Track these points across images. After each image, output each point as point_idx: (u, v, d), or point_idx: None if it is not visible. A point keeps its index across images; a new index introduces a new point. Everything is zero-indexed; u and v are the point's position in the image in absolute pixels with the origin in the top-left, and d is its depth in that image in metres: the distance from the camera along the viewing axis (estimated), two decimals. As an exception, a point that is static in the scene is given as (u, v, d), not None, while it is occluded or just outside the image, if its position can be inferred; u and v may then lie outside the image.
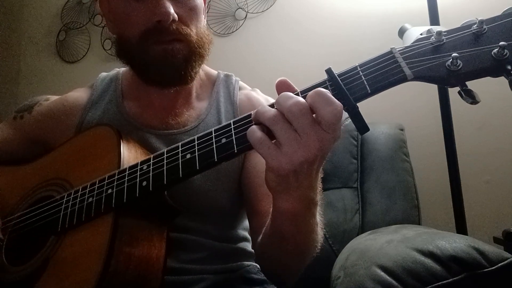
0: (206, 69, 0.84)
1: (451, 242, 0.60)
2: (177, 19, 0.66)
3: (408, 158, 1.18)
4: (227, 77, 0.83)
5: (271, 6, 1.66)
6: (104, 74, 0.84)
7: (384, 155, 1.15)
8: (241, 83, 0.83)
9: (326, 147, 0.45)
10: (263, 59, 1.64)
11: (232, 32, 1.71)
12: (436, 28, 0.49)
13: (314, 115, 0.44)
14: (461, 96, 0.45)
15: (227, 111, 0.77)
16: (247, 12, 1.70)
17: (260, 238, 0.65)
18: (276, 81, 0.50)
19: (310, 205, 0.54)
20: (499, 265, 0.56)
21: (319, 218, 0.60)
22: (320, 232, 0.62)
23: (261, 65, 1.62)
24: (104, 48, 1.89)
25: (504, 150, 1.29)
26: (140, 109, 0.76)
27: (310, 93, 0.45)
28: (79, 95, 0.81)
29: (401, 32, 1.19)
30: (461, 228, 1.12)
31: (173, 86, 0.72)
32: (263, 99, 0.80)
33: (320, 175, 0.54)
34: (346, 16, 1.55)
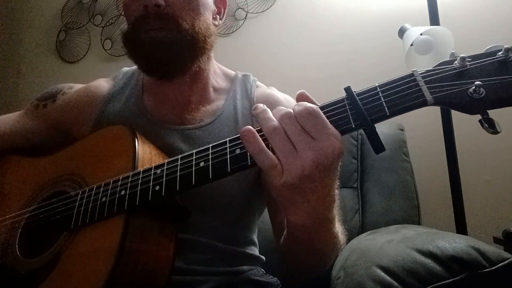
0: (224, 69, 0.85)
1: (451, 242, 0.60)
2: (163, 4, 0.66)
3: (408, 158, 1.17)
4: (245, 76, 0.83)
5: (271, 6, 1.66)
6: (126, 68, 0.85)
7: (384, 155, 1.15)
8: (258, 82, 0.83)
9: (322, 157, 0.43)
10: (263, 59, 1.64)
11: (232, 32, 1.71)
12: (454, 53, 0.47)
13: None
14: (482, 125, 0.44)
15: (244, 108, 0.76)
16: (247, 12, 1.70)
17: (281, 238, 0.65)
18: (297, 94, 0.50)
19: (321, 221, 0.52)
20: (499, 265, 0.56)
21: (338, 228, 0.59)
22: (341, 238, 0.61)
23: (261, 65, 1.62)
24: (104, 48, 1.88)
25: (504, 150, 1.29)
26: (157, 103, 0.77)
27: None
28: (103, 85, 0.81)
29: (401, 32, 1.19)
30: (461, 228, 1.12)
31: (167, 78, 0.71)
32: (281, 97, 0.79)
33: (336, 190, 0.51)
34: (346, 16, 1.55)
